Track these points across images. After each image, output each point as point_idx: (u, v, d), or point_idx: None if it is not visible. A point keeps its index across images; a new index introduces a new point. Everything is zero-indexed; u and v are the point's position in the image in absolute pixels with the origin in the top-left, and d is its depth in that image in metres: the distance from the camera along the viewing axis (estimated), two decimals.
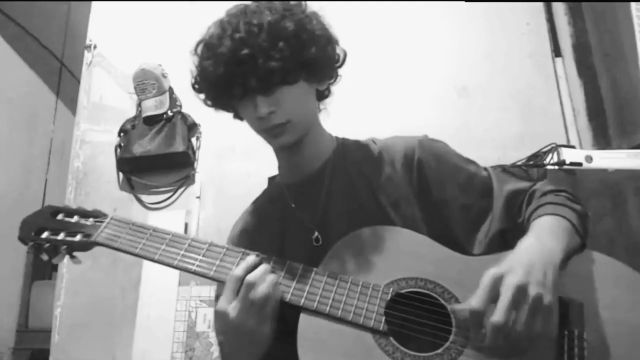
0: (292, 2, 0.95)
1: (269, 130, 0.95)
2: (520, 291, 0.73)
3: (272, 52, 0.87)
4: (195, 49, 0.96)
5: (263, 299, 0.83)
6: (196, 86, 1.00)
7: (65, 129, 3.08)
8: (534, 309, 0.73)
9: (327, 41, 0.96)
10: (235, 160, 2.14)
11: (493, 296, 0.74)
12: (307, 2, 0.97)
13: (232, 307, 0.83)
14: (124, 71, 2.29)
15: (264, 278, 0.85)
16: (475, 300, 0.74)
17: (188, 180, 2.14)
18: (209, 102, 1.01)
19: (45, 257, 0.95)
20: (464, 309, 0.76)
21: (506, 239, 0.96)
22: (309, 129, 1.01)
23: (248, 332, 0.84)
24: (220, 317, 0.85)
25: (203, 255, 0.91)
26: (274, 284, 0.85)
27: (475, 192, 0.99)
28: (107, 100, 2.32)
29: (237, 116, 1.03)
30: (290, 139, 0.96)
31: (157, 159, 2.09)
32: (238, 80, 0.89)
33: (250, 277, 0.84)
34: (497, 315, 0.72)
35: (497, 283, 0.75)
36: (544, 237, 0.83)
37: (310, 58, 0.92)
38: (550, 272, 0.76)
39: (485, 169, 1.04)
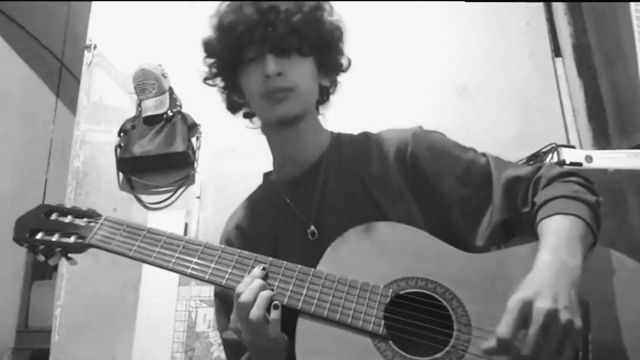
0: (309, 2, 0.97)
1: (272, 94, 0.93)
2: (551, 317, 0.69)
3: (296, 11, 0.93)
4: (217, 12, 0.97)
5: (257, 320, 0.83)
6: (210, 44, 0.99)
7: (65, 129, 3.07)
8: (566, 335, 0.69)
9: (340, 37, 1.02)
10: (235, 160, 2.14)
11: (522, 323, 0.70)
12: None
13: (237, 324, 0.86)
14: (124, 71, 2.29)
15: (255, 299, 0.84)
16: (502, 328, 0.70)
17: (188, 180, 2.14)
18: (215, 70, 1.01)
19: (41, 257, 0.94)
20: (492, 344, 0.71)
21: (508, 229, 0.94)
22: (309, 109, 1.00)
23: (258, 345, 0.86)
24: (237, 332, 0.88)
25: (198, 258, 0.90)
26: (264, 305, 0.84)
27: (474, 182, 0.96)
28: (107, 100, 2.31)
29: (232, 88, 1.03)
30: (290, 109, 0.94)
31: (157, 159, 2.09)
32: (260, 27, 0.91)
33: (242, 298, 0.83)
34: (528, 346, 0.68)
35: (526, 308, 0.70)
36: (562, 251, 0.78)
37: (327, 37, 0.98)
38: (573, 294, 0.73)
39: (484, 154, 1.00)
